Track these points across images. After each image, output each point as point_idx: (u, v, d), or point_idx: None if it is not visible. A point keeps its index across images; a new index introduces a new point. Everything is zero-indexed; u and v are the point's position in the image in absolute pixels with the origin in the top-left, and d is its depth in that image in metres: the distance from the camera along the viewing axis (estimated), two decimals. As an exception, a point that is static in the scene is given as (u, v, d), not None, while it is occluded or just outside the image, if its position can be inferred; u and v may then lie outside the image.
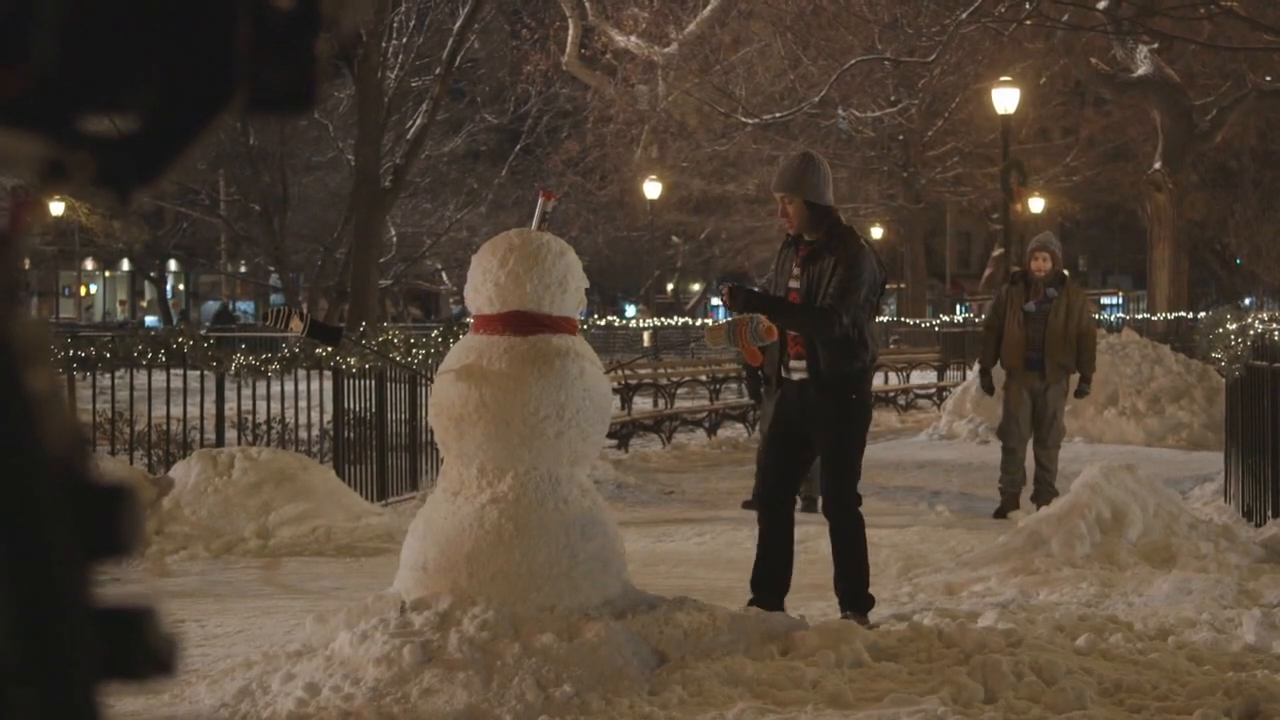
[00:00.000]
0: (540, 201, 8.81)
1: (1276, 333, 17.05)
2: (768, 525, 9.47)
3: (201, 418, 15.84)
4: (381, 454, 16.21)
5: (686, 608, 8.22)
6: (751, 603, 9.10)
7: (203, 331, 23.29)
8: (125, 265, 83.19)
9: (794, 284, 9.37)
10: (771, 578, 9.39)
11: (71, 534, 1.15)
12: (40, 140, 1.17)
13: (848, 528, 9.35)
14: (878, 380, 31.95)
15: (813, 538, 11.43)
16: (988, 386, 15.89)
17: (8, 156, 1.20)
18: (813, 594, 10.29)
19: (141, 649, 1.18)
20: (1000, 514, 14.86)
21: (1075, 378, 15.16)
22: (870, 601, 9.40)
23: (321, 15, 1.23)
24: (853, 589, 9.35)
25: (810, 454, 9.57)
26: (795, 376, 9.31)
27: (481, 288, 8.24)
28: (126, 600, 1.19)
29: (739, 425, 24.55)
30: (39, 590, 1.12)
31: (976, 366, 16.91)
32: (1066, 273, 15.51)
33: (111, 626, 1.17)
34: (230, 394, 15.96)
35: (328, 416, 16.38)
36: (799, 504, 11.36)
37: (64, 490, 1.15)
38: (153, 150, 1.20)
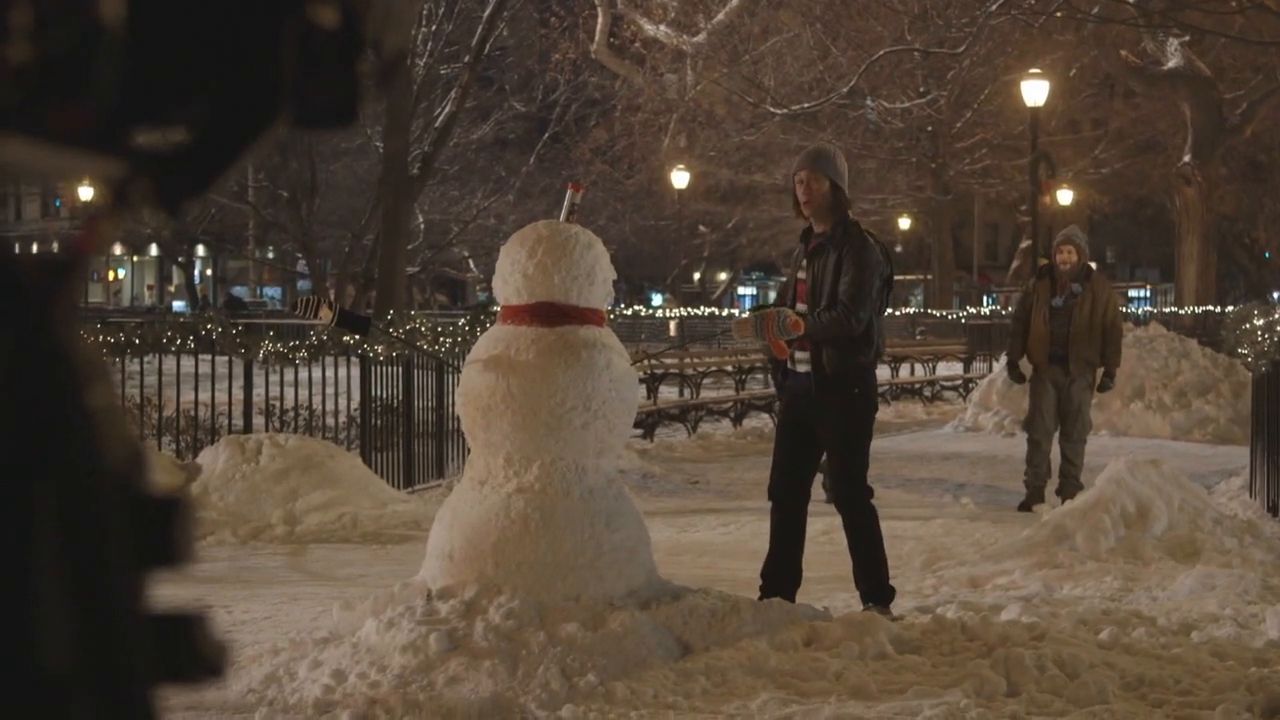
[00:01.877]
0: (569, 193, 8.85)
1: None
2: (779, 518, 9.48)
3: (230, 404, 15.91)
4: (408, 441, 16.26)
5: (711, 598, 8.26)
6: (761, 592, 9.12)
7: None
8: (153, 250, 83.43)
9: (801, 275, 9.43)
10: (782, 570, 9.40)
11: (129, 544, 1.19)
12: (97, 158, 1.21)
13: (860, 521, 9.36)
14: (904, 372, 31.97)
15: (836, 529, 11.43)
16: (1017, 377, 15.88)
17: (64, 174, 1.24)
18: (836, 585, 10.31)
19: (193, 653, 1.22)
20: (1025, 507, 14.86)
21: (1101, 371, 15.13)
22: (891, 593, 9.41)
23: (364, 36, 1.26)
24: (872, 582, 9.37)
25: (817, 450, 9.59)
26: (801, 369, 9.34)
27: (510, 278, 8.28)
28: (179, 606, 1.23)
29: (764, 415, 24.54)
30: (99, 597, 1.16)
31: (1004, 359, 16.87)
32: (1094, 265, 15.48)
33: (165, 631, 1.21)
34: (258, 380, 16.02)
35: (355, 403, 16.43)
36: (825, 496, 11.38)
37: (122, 502, 1.19)
38: (200, 166, 1.24)
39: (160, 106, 1.21)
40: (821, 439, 9.40)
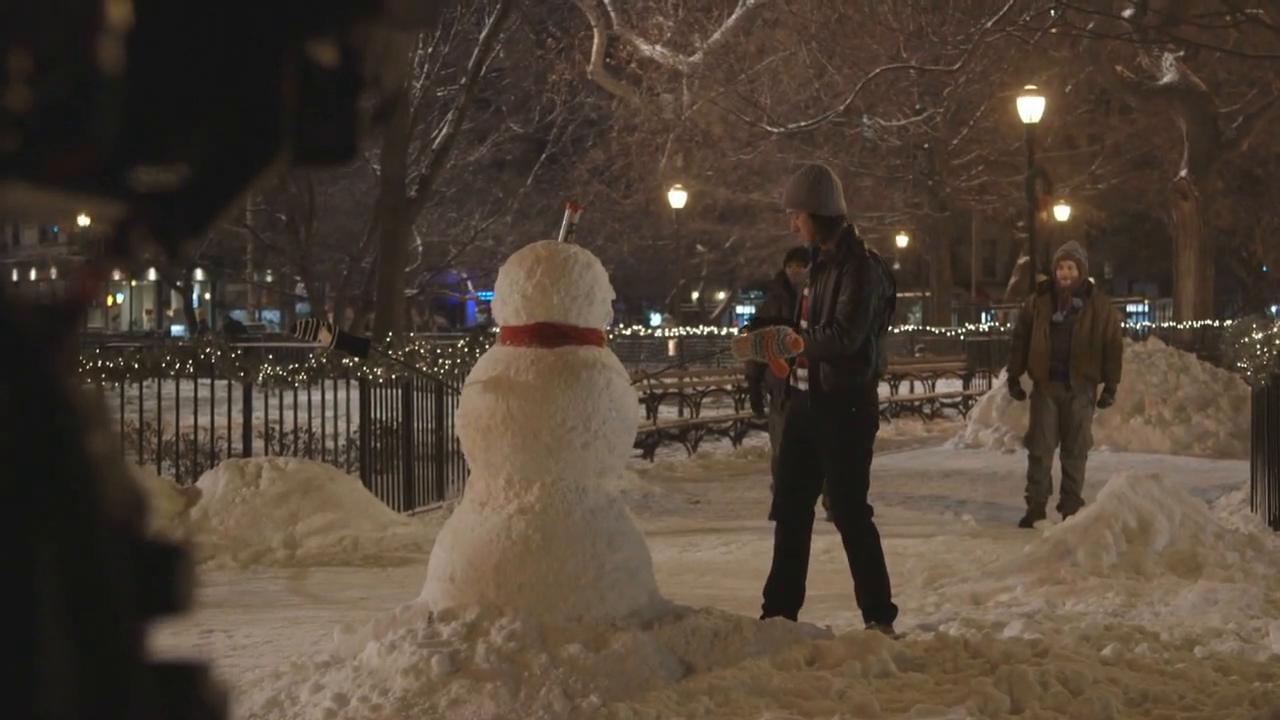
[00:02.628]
0: (567, 214, 8.86)
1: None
2: (783, 537, 9.48)
3: (229, 428, 15.90)
4: (408, 464, 16.25)
5: (713, 618, 8.24)
6: (763, 611, 9.12)
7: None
8: (151, 274, 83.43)
9: (806, 292, 9.48)
10: (785, 588, 9.39)
11: (131, 592, 1.18)
12: (97, 200, 1.21)
13: (861, 539, 9.36)
14: (903, 389, 31.96)
15: (837, 547, 11.41)
16: (1017, 394, 15.87)
17: (64, 216, 1.24)
18: (839, 604, 10.30)
19: (196, 703, 1.22)
20: (1026, 523, 14.86)
21: (1101, 386, 15.12)
22: (893, 611, 9.41)
23: (364, 73, 1.27)
24: (874, 600, 9.36)
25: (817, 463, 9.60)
26: (802, 386, 9.35)
27: (509, 299, 8.28)
28: (182, 656, 1.22)
29: (764, 434, 24.52)
30: (100, 646, 1.16)
31: (1004, 374, 16.87)
32: (1093, 281, 15.50)
33: (168, 681, 1.21)
34: (258, 404, 16.01)
35: (354, 426, 16.43)
36: (825, 515, 11.36)
37: (123, 550, 1.18)
38: (200, 204, 1.23)
39: (160, 145, 1.21)
40: (821, 457, 9.41)
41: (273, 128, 1.22)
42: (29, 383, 1.15)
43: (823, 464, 9.44)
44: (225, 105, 1.21)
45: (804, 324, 9.29)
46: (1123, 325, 17.49)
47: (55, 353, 1.17)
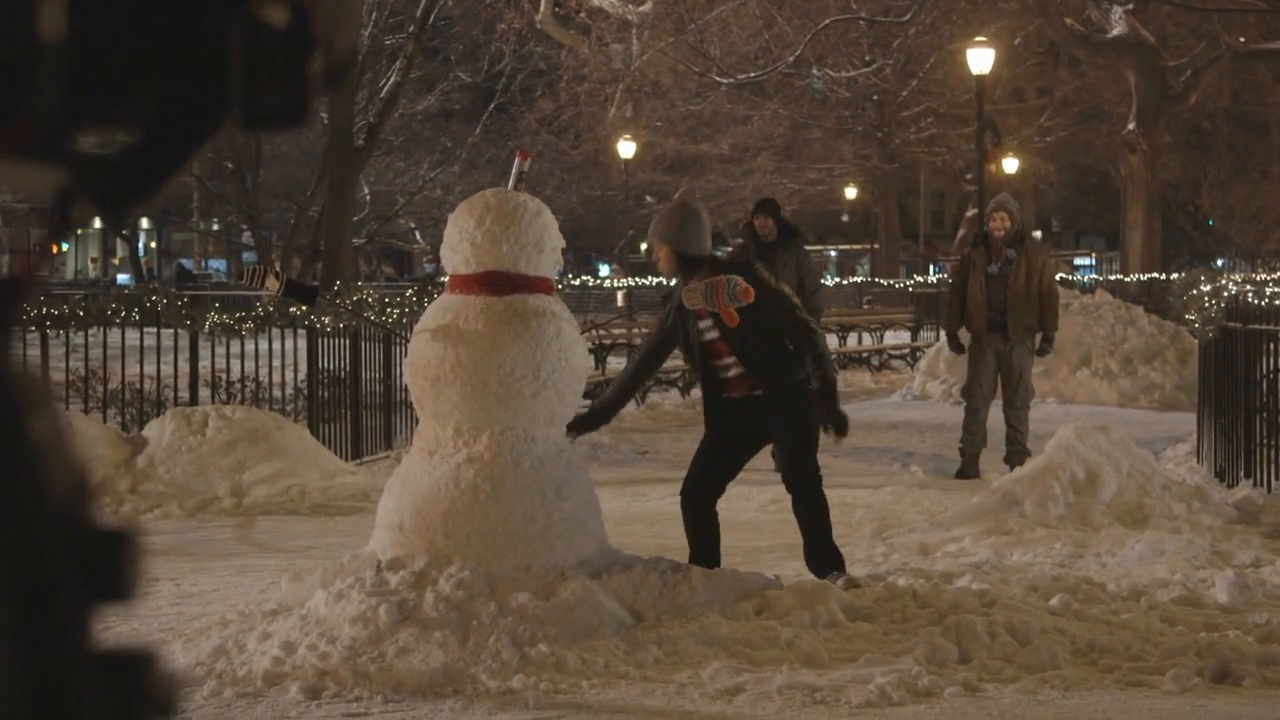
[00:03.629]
0: (517, 161, 8.80)
1: (1249, 295, 17.10)
2: (692, 516, 9.40)
3: (176, 376, 15.81)
4: (356, 413, 16.20)
5: (661, 567, 8.25)
6: None
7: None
8: (96, 223, 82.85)
9: (710, 335, 9.30)
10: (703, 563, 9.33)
11: (75, 579, 1.15)
12: (40, 168, 1.17)
13: (818, 503, 9.38)
14: (851, 341, 32.07)
15: (785, 498, 11.44)
16: (956, 348, 15.90)
17: (7, 185, 1.20)
18: (786, 554, 10.30)
19: (143, 692, 1.19)
20: (962, 474, 14.89)
21: (1039, 336, 15.14)
22: (841, 557, 9.42)
23: (315, 35, 1.23)
24: (828, 553, 9.35)
25: (748, 456, 9.63)
26: (756, 393, 9.25)
27: (458, 247, 8.24)
28: (128, 644, 1.19)
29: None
30: (45, 635, 1.12)
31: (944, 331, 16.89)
32: (1040, 234, 15.52)
33: (114, 670, 1.17)
34: (204, 352, 15.92)
35: (302, 375, 16.35)
36: (774, 465, 11.36)
37: (67, 536, 1.15)
38: (146, 169, 1.20)
39: (105, 108, 1.17)
40: (780, 443, 9.49)
41: (221, 90, 1.18)
42: None
43: (782, 447, 9.50)
44: (172, 66, 1.17)
45: (727, 360, 9.21)
46: (1069, 278, 17.55)
47: None
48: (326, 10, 1.25)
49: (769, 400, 9.19)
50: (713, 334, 9.25)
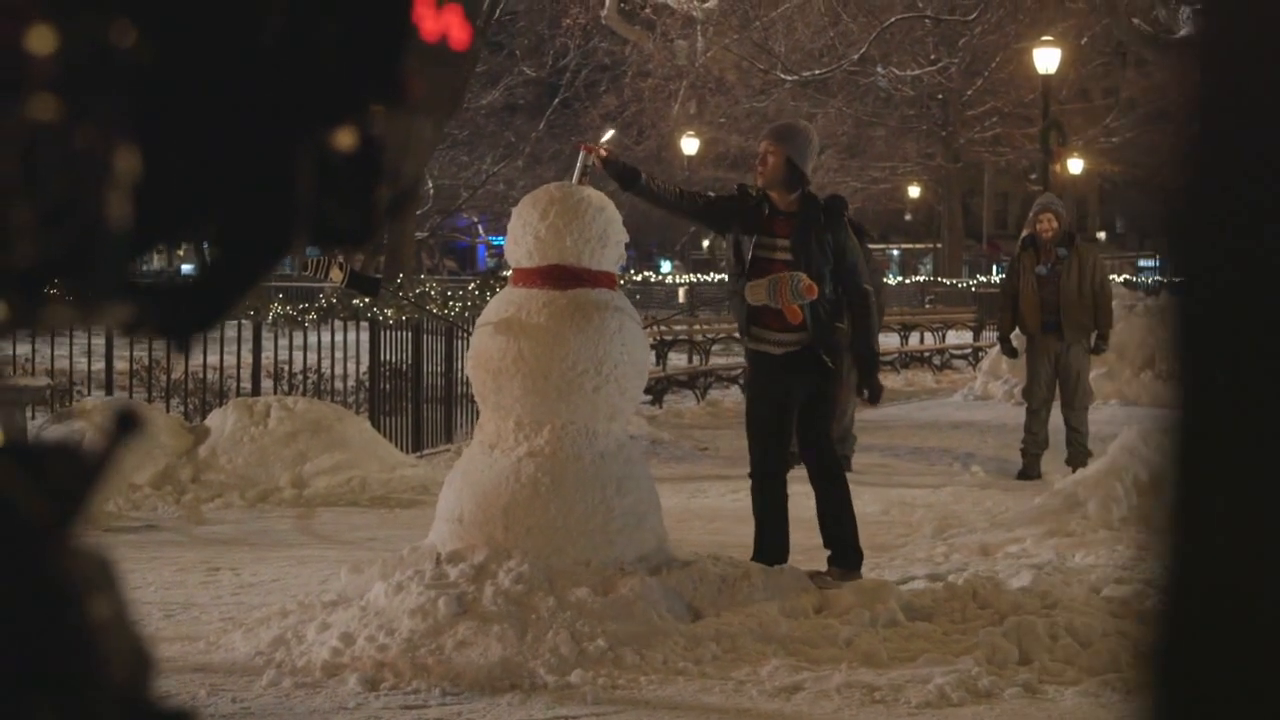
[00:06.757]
0: (581, 155, 8.79)
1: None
2: (771, 495, 9.38)
3: (238, 367, 15.88)
4: (417, 406, 16.23)
5: (721, 564, 8.23)
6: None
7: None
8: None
9: (783, 255, 9.19)
10: (775, 550, 9.27)
11: None
12: (107, 311, 1.17)
13: (844, 481, 9.39)
14: (914, 340, 31.96)
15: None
16: (1009, 352, 15.83)
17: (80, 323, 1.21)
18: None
19: None
20: (1023, 476, 14.81)
21: (1095, 334, 15.05)
22: (860, 557, 9.37)
23: (383, 164, 1.23)
24: (844, 543, 9.32)
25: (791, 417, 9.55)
26: (786, 350, 9.24)
27: (521, 240, 8.23)
28: None
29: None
30: None
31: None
32: (1103, 235, 15.42)
33: None
34: (267, 344, 15.97)
35: (364, 367, 16.39)
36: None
37: (127, 715, 1.15)
38: (211, 298, 1.20)
39: (172, 234, 1.18)
40: (820, 405, 9.38)
41: (288, 218, 1.19)
42: (28, 549, 1.11)
43: (815, 413, 9.37)
44: (240, 195, 1.17)
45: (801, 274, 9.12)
46: (1134, 280, 17.42)
47: (62, 525, 1.14)
48: (395, 140, 1.25)
49: (825, 351, 9.15)
50: (784, 255, 9.15)
